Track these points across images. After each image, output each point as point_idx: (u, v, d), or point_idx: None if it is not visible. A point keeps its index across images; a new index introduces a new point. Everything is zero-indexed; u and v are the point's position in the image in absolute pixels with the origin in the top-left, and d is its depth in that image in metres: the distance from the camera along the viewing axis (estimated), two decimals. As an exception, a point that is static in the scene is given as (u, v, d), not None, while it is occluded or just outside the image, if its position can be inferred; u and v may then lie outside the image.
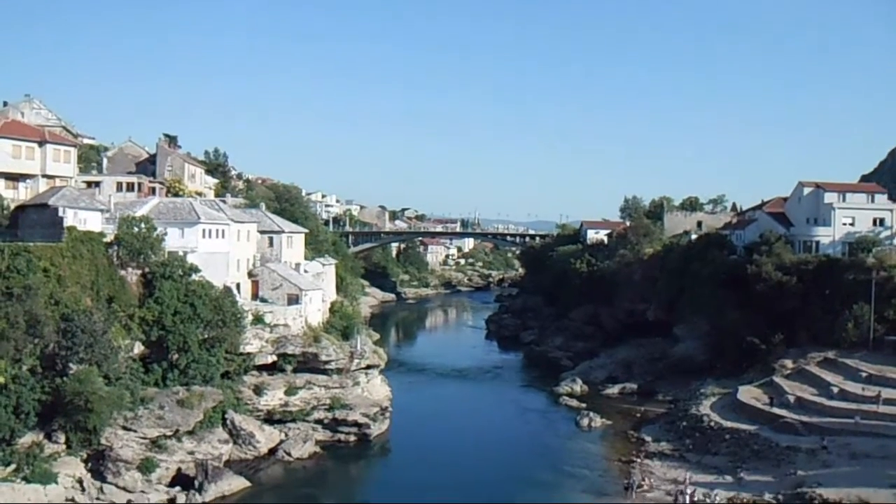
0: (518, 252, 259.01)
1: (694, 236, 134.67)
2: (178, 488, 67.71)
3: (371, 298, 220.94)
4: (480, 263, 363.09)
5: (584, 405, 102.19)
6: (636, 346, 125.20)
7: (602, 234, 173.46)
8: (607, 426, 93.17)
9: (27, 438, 62.91)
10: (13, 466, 61.53)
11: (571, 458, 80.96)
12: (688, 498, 64.60)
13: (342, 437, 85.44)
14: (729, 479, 70.19)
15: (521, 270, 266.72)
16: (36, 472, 61.73)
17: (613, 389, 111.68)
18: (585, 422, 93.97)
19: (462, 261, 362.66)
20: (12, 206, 76.01)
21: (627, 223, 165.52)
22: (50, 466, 63.04)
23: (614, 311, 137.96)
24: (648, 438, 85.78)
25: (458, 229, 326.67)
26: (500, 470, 78.29)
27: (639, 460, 78.29)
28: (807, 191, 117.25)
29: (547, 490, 70.92)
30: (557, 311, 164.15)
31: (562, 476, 75.17)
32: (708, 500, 64.46)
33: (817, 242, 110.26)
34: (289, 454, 79.06)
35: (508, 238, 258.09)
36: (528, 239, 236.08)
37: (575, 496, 69.41)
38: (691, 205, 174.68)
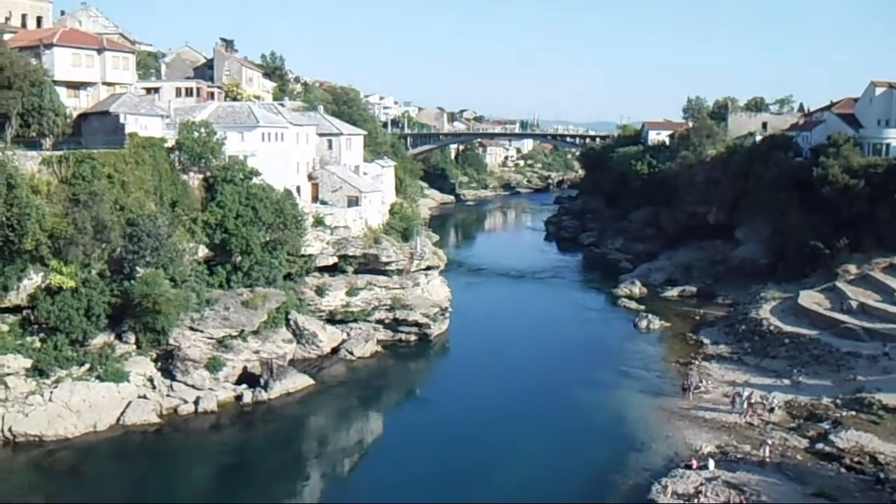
0: (578, 153, 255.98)
1: (758, 138, 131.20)
2: (244, 386, 69.89)
3: (430, 200, 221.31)
4: (540, 165, 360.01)
5: (642, 307, 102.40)
6: (696, 249, 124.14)
7: (664, 136, 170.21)
8: (665, 328, 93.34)
9: (99, 339, 65.23)
10: (87, 366, 64.04)
11: (629, 359, 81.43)
12: (745, 400, 64.81)
13: (403, 336, 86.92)
14: (787, 382, 70.30)
15: (580, 172, 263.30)
16: (109, 372, 64.23)
17: (672, 292, 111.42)
18: (644, 323, 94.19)
19: (521, 162, 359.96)
20: (74, 115, 76.79)
21: (690, 124, 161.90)
22: (122, 366, 65.47)
23: (675, 214, 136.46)
24: (707, 341, 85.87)
25: (517, 130, 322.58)
26: (558, 369, 79.20)
27: (697, 362, 78.57)
28: (879, 91, 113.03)
29: (605, 390, 71.63)
30: (617, 213, 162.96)
31: (619, 376, 75.77)
32: (765, 403, 64.65)
33: (888, 145, 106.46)
34: (351, 353, 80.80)
35: (568, 139, 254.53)
36: (588, 140, 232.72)
37: (632, 396, 70.09)
38: (756, 105, 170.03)
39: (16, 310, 62.63)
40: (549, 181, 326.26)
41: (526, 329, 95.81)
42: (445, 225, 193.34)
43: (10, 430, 57.86)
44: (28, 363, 61.43)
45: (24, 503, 51.58)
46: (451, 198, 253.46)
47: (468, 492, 52.73)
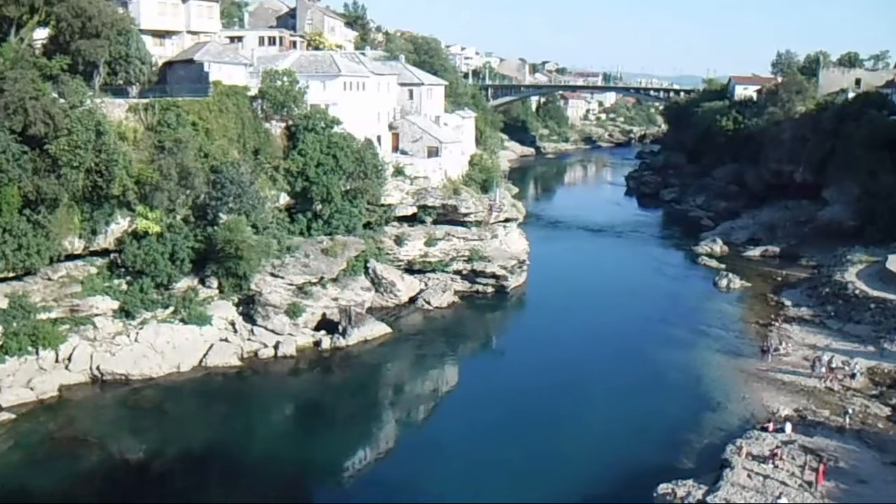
0: (661, 107, 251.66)
1: (851, 95, 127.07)
2: (322, 332, 71.17)
3: (510, 152, 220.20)
4: (622, 119, 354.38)
5: (723, 266, 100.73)
6: (781, 209, 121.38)
7: (751, 91, 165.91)
8: (746, 288, 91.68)
9: (183, 283, 66.90)
10: (171, 309, 65.90)
11: (708, 318, 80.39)
12: (825, 365, 63.51)
13: (480, 287, 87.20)
14: (871, 348, 68.40)
15: (663, 127, 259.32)
16: (192, 315, 66.03)
17: (754, 251, 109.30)
18: (724, 283, 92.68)
19: (603, 116, 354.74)
20: (160, 63, 77.82)
21: (779, 79, 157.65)
22: (204, 309, 67.23)
23: (760, 171, 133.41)
24: (788, 303, 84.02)
25: (599, 83, 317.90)
26: (635, 325, 78.72)
27: (777, 324, 77.04)
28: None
29: (682, 348, 70.96)
30: (700, 170, 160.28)
31: (697, 335, 74.89)
32: (846, 368, 63.26)
33: None
34: (428, 303, 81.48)
35: (652, 93, 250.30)
36: (672, 94, 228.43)
37: (710, 355, 69.28)
38: (850, 61, 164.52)
39: (104, 253, 64.49)
40: (631, 136, 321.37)
41: (603, 284, 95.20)
42: (525, 177, 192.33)
43: (98, 368, 60.00)
44: (115, 305, 63.52)
45: (110, 437, 53.54)
46: (532, 150, 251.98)
47: (539, 444, 52.98)
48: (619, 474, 49.24)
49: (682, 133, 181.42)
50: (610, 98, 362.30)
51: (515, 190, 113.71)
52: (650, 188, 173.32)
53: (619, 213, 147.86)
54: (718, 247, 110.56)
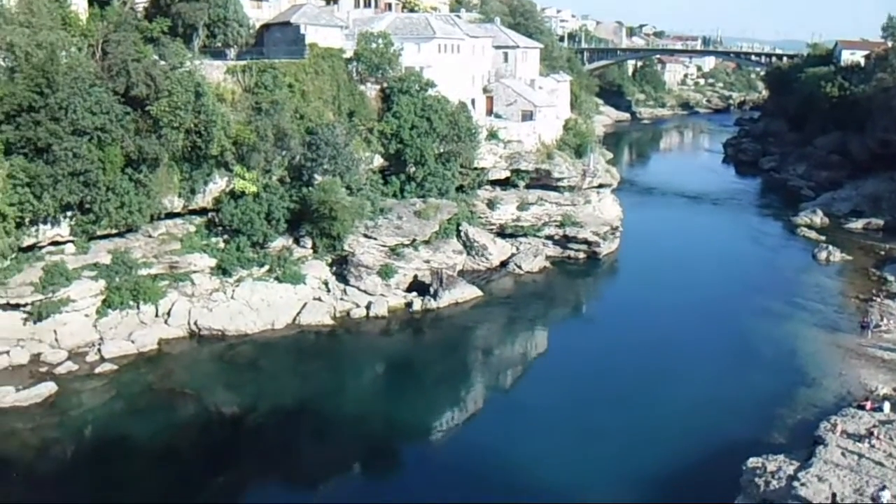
0: (762, 73, 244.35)
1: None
2: (414, 293, 71.65)
3: (605, 117, 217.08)
4: (721, 84, 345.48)
5: (822, 238, 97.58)
6: (887, 180, 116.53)
7: (859, 56, 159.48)
8: (846, 261, 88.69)
9: (278, 243, 68.24)
10: (266, 267, 67.40)
11: (805, 291, 78.11)
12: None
13: (571, 253, 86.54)
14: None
15: (764, 93, 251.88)
16: (287, 274, 67.36)
17: (857, 224, 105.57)
18: (823, 255, 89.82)
19: (701, 81, 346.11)
20: (257, 25, 78.91)
21: (889, 44, 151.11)
22: (298, 269, 68.54)
23: (865, 140, 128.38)
24: (891, 278, 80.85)
25: (698, 47, 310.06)
26: (729, 295, 76.98)
27: (878, 299, 74.31)
28: None
29: (778, 321, 69.26)
30: (801, 138, 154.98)
31: (794, 308, 72.91)
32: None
33: None
34: (519, 267, 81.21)
35: (752, 57, 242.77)
36: (774, 59, 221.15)
37: (806, 329, 67.41)
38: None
39: (202, 212, 66.32)
40: (730, 101, 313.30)
41: (698, 252, 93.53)
42: (620, 143, 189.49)
43: (195, 323, 61.75)
44: (213, 262, 65.34)
45: (206, 390, 55.14)
46: (627, 115, 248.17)
47: (628, 412, 52.47)
48: (708, 446, 48.50)
49: (784, 100, 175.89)
50: (709, 63, 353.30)
51: (610, 155, 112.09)
52: (749, 156, 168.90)
53: (716, 181, 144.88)
54: (819, 218, 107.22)
